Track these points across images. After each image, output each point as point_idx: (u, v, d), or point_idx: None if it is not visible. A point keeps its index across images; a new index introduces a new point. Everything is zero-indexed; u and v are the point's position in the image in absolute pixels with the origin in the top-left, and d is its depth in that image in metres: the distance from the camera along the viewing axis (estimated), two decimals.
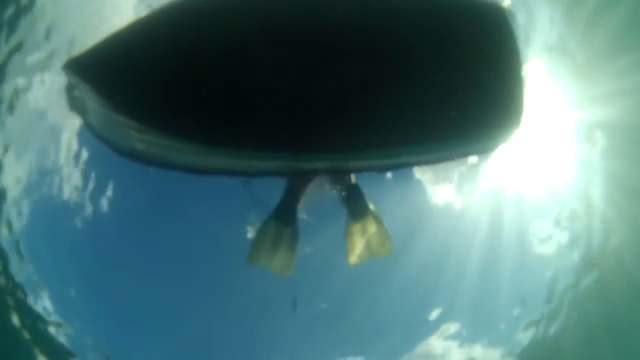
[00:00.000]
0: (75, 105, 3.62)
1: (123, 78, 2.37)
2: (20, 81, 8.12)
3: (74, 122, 8.94)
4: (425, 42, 2.47)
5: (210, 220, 10.36)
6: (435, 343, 11.43)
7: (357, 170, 3.00)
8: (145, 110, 2.33)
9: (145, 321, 11.47)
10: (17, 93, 8.24)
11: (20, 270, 9.64)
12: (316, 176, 2.87)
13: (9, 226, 9.38)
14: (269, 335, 11.65)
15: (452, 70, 2.52)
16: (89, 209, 10.00)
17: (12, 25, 7.38)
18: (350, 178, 2.87)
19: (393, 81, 2.39)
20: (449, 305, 11.16)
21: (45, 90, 8.44)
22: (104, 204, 10.02)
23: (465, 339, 11.47)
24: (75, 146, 9.26)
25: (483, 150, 2.99)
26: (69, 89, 3.56)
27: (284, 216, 2.76)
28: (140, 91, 2.33)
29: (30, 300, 9.86)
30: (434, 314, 11.21)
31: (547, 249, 10.17)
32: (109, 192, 9.92)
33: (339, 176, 2.98)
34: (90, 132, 3.39)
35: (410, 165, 2.97)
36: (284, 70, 2.30)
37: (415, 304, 11.42)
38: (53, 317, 10.12)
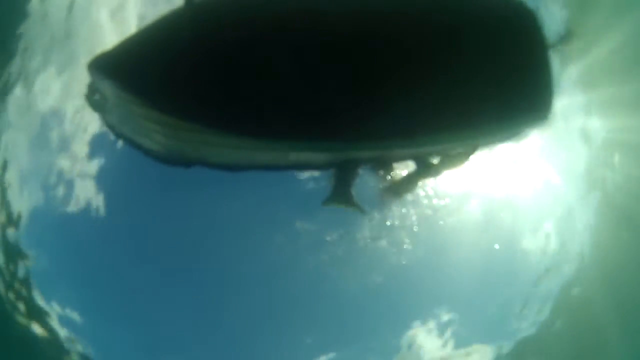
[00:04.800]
0: (97, 107, 3.62)
1: (158, 74, 2.36)
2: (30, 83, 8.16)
3: (75, 125, 8.97)
4: (460, 41, 2.60)
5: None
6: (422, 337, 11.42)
7: (401, 159, 3.05)
8: (194, 107, 2.31)
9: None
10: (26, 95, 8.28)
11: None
12: (361, 166, 2.90)
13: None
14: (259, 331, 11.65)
15: (488, 64, 2.65)
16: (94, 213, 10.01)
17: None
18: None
19: (438, 75, 2.49)
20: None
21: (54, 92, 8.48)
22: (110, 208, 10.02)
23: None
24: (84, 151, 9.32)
25: (515, 135, 3.05)
26: (91, 92, 3.56)
27: (341, 198, 2.76)
28: (182, 87, 2.31)
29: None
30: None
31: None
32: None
33: (381, 166, 3.01)
34: (113, 133, 3.38)
35: (449, 151, 3.01)
36: (330, 64, 2.31)
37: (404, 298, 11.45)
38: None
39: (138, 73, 2.46)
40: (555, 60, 3.32)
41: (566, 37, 4.69)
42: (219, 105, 2.36)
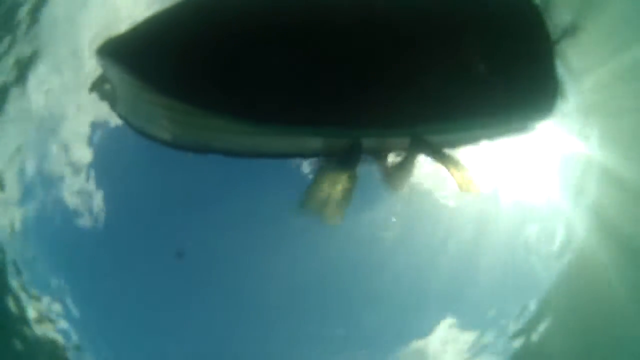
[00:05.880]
0: (104, 94, 3.65)
1: (166, 59, 2.38)
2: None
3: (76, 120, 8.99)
4: (465, 31, 2.64)
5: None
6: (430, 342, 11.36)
7: (404, 148, 3.06)
8: (204, 93, 2.34)
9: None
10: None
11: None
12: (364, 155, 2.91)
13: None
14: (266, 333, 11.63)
15: (492, 55, 2.68)
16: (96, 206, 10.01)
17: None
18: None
19: (441, 65, 2.53)
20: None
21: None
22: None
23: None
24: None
25: (520, 129, 3.07)
26: (99, 80, 3.58)
27: (346, 160, 2.75)
28: (192, 73, 2.33)
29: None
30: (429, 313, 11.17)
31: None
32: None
33: (384, 155, 3.02)
34: (123, 121, 3.41)
35: (453, 144, 3.03)
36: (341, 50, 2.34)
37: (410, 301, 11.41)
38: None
39: (146, 58, 2.49)
40: (561, 54, 3.35)
41: (571, 30, 4.71)
42: (226, 91, 2.39)
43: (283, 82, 2.30)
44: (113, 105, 3.51)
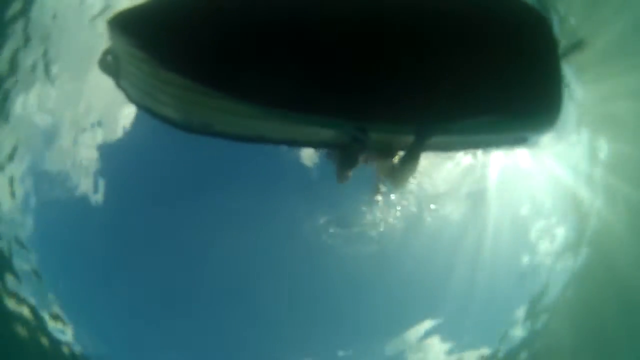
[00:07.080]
0: (110, 70, 3.61)
1: (176, 34, 2.37)
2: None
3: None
4: (472, 40, 2.69)
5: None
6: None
7: (404, 147, 3.09)
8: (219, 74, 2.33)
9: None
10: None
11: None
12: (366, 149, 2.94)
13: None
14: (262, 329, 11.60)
15: (497, 65, 2.73)
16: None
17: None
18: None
19: (447, 70, 2.58)
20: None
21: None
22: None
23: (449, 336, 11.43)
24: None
25: (522, 140, 3.10)
26: (105, 54, 3.55)
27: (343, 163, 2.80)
28: (206, 49, 2.32)
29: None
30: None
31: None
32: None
33: (384, 152, 3.05)
34: (125, 96, 3.38)
35: (456, 146, 3.05)
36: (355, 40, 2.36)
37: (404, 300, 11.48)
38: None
39: (157, 33, 2.48)
40: (566, 67, 3.39)
41: (578, 46, 4.78)
42: (235, 72, 2.39)
43: (295, 68, 2.30)
44: (117, 80, 3.48)
